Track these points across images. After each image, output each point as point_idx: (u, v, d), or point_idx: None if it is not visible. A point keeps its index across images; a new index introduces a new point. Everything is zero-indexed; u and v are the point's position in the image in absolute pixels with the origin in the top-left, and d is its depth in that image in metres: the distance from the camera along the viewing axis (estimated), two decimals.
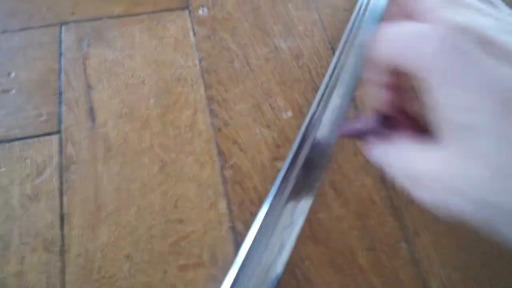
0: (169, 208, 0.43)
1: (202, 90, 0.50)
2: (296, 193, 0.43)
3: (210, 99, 0.49)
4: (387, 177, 0.45)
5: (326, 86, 0.48)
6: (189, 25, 0.54)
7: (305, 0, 0.57)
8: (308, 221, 0.43)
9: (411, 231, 0.43)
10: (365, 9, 0.53)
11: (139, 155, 0.46)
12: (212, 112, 0.48)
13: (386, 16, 0.54)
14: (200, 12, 0.55)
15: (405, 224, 0.44)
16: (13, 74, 0.50)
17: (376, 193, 0.45)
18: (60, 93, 0.49)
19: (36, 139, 0.47)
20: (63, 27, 0.53)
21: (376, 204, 0.44)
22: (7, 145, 0.46)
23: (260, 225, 0.41)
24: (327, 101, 0.47)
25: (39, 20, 0.54)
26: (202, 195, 0.44)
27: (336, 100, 0.48)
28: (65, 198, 0.43)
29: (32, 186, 0.44)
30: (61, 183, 0.44)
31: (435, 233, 0.43)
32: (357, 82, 0.49)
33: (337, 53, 0.50)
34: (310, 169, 0.44)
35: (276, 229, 0.41)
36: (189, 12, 0.55)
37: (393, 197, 0.45)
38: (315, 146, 0.45)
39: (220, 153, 0.46)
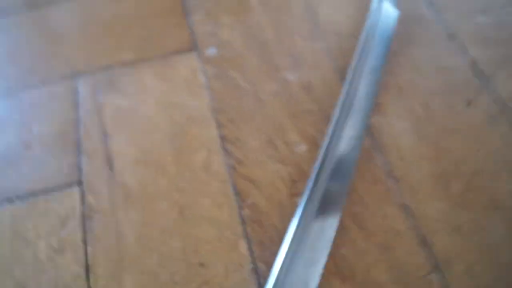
0: (190, 253, 0.44)
1: (214, 130, 0.51)
2: (317, 228, 0.44)
3: (223, 138, 0.50)
4: (410, 205, 0.45)
5: (339, 116, 0.48)
6: (198, 65, 0.56)
7: (311, 30, 0.58)
8: (332, 257, 0.43)
9: (442, 260, 0.43)
10: (373, 34, 0.53)
11: (157, 200, 0.47)
12: (226, 152, 0.49)
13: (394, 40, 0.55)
14: (209, 52, 0.57)
15: (435, 254, 0.43)
16: (34, 129, 0.53)
17: (401, 223, 0.45)
18: (79, 144, 0.51)
19: (58, 191, 0.49)
20: (79, 78, 0.55)
21: (401, 235, 0.44)
22: (31, 199, 0.48)
23: (281, 265, 0.41)
24: (341, 131, 0.48)
25: (57, 73, 0.56)
26: (222, 237, 0.45)
27: (349, 129, 0.48)
28: (89, 249, 0.45)
29: (57, 238, 0.46)
30: (84, 234, 0.46)
31: (467, 261, 0.42)
32: (370, 110, 0.50)
33: (347, 81, 0.50)
34: (329, 202, 0.45)
35: (298, 268, 0.42)
36: (198, 53, 0.57)
37: (419, 225, 0.44)
38: (332, 178, 0.46)
39: (237, 193, 0.47)
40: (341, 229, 0.45)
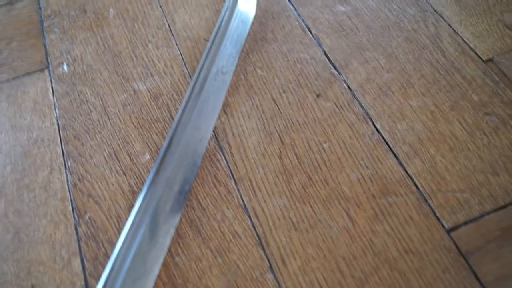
0: (23, 276, 0.47)
1: (58, 148, 0.54)
2: (149, 239, 0.46)
3: (66, 156, 0.54)
4: (249, 206, 0.48)
5: (179, 121, 0.52)
6: (49, 85, 0.60)
7: (165, 37, 0.63)
8: (166, 266, 0.46)
9: (277, 259, 0.45)
10: (223, 35, 0.58)
11: None
12: (67, 169, 0.53)
13: (248, 40, 0.59)
14: (60, 69, 0.61)
15: (271, 253, 0.46)
16: None
17: (239, 225, 0.48)
18: None
19: None
20: None
21: (239, 236, 0.47)
22: None
23: (105, 281, 0.44)
24: (181, 136, 0.51)
25: None
26: (56, 257, 0.48)
27: (192, 132, 0.51)
28: None
29: None
30: None
31: (303, 257, 0.45)
32: (217, 111, 0.53)
33: (190, 84, 0.54)
34: (163, 211, 0.48)
35: (127, 282, 0.44)
36: (49, 72, 0.61)
37: (257, 225, 0.47)
38: (168, 186, 0.49)
39: (75, 209, 0.50)
40: (177, 237, 0.47)
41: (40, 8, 0.69)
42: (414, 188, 0.48)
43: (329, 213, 0.47)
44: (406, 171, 0.49)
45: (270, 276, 0.44)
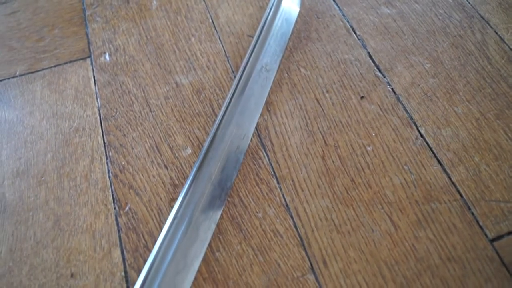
0: (62, 264, 0.47)
1: (99, 137, 0.55)
2: (190, 233, 0.47)
3: (107, 146, 0.54)
4: (292, 205, 0.48)
5: (222, 117, 0.52)
6: (90, 74, 0.60)
7: (209, 32, 0.63)
8: (206, 261, 0.46)
9: (319, 260, 0.45)
10: (268, 32, 0.57)
11: (33, 212, 0.50)
12: (109, 159, 0.53)
13: (291, 39, 0.59)
14: (102, 59, 0.61)
15: (312, 254, 0.46)
16: None
17: (281, 224, 0.48)
18: None
19: None
20: None
21: (280, 236, 0.47)
22: None
23: (146, 273, 0.44)
24: (224, 133, 0.51)
25: None
26: (96, 246, 0.48)
27: (235, 130, 0.51)
28: None
29: None
30: None
31: (345, 260, 0.45)
32: (261, 108, 0.53)
33: (234, 81, 0.54)
34: (205, 206, 0.48)
35: (168, 275, 0.44)
36: (91, 61, 0.61)
37: (299, 225, 0.47)
38: (211, 181, 0.49)
39: (115, 200, 0.50)
40: (218, 233, 0.47)
41: None
42: (457, 195, 0.47)
43: (371, 217, 0.47)
44: (450, 178, 0.48)
45: (311, 277, 0.44)
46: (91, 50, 0.62)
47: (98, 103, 0.57)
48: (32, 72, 0.61)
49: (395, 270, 0.44)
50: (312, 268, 0.45)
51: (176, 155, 0.52)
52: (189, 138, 0.53)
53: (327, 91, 0.55)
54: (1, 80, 0.61)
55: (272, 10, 0.59)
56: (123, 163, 0.52)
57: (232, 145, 0.50)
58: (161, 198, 0.50)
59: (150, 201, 0.50)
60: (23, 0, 0.70)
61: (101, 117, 0.56)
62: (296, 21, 0.60)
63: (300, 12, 0.61)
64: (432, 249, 0.45)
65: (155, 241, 0.47)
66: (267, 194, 0.49)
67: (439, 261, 0.44)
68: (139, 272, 0.46)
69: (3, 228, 0.50)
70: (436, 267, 0.44)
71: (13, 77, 0.61)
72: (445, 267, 0.44)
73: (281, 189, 0.49)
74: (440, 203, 0.47)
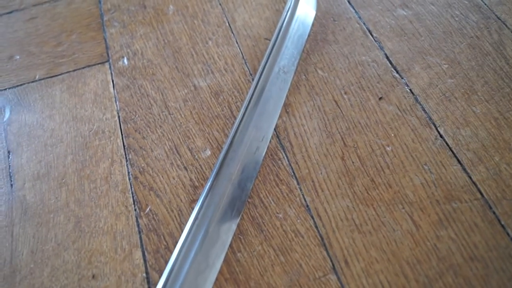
0: (83, 265, 0.48)
1: (119, 140, 0.55)
2: (212, 234, 0.47)
3: (127, 148, 0.54)
4: (312, 205, 0.48)
5: (241, 119, 0.52)
6: (109, 78, 0.61)
7: (226, 35, 0.63)
8: (227, 262, 0.46)
9: (340, 260, 0.45)
10: (285, 35, 0.58)
11: (54, 213, 0.51)
12: (128, 161, 0.53)
13: (308, 41, 0.59)
14: (120, 63, 0.62)
15: (334, 254, 0.46)
16: None
17: (302, 224, 0.48)
18: None
19: None
20: None
21: (301, 236, 0.47)
22: None
23: (168, 274, 0.44)
24: (244, 134, 0.51)
25: None
26: (117, 248, 0.48)
27: (254, 131, 0.52)
28: None
29: None
30: None
31: (366, 260, 0.45)
32: (279, 110, 0.53)
33: (253, 83, 0.54)
34: (226, 207, 0.48)
35: (190, 275, 0.45)
36: (110, 65, 0.62)
37: (320, 225, 0.47)
38: (231, 182, 0.49)
39: (136, 201, 0.51)
40: (239, 233, 0.48)
41: (99, 2, 0.70)
42: (478, 195, 0.47)
43: (392, 217, 0.47)
44: (470, 177, 0.48)
45: (333, 277, 0.44)
46: (109, 55, 0.63)
47: (117, 106, 0.58)
48: (51, 77, 0.62)
49: (417, 269, 0.44)
50: (334, 268, 0.45)
51: (196, 156, 0.53)
52: (208, 140, 0.54)
53: (345, 93, 0.56)
54: (21, 85, 0.61)
55: (288, 13, 0.59)
56: (142, 165, 0.53)
57: (252, 146, 0.51)
58: (181, 200, 0.50)
59: (170, 202, 0.50)
60: (41, 7, 0.71)
61: (120, 120, 0.56)
62: (313, 24, 0.60)
63: (316, 15, 0.61)
64: (454, 248, 0.45)
65: (176, 242, 0.47)
66: (287, 194, 0.49)
67: (461, 260, 0.44)
68: (160, 273, 0.46)
69: (25, 230, 0.50)
70: (458, 266, 0.44)
71: (32, 82, 0.61)
72: (467, 266, 0.44)
73: (301, 190, 0.49)
74: (461, 202, 0.47)
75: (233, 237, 0.47)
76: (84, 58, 0.63)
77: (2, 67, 0.64)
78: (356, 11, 0.64)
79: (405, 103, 0.54)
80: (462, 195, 0.47)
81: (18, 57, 0.65)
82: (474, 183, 0.48)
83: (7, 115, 0.59)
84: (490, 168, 0.49)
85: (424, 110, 0.53)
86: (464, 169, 0.49)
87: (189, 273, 0.44)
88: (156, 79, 0.60)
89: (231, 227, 0.47)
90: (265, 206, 0.49)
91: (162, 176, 0.52)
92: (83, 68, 0.62)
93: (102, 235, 0.49)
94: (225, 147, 0.50)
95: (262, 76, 0.54)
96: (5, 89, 0.62)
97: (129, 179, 0.52)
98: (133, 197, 0.51)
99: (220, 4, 0.67)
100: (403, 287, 0.43)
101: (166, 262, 0.47)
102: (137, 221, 0.49)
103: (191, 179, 0.51)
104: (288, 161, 0.51)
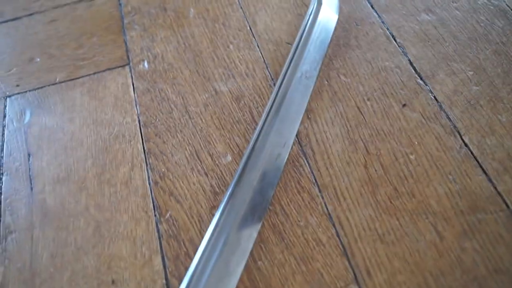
0: (103, 270, 0.48)
1: (139, 144, 0.55)
2: (232, 241, 0.46)
3: (147, 153, 0.54)
4: (334, 214, 0.48)
5: (263, 125, 0.52)
6: (129, 81, 0.61)
7: (247, 39, 0.63)
8: (247, 270, 0.46)
9: (363, 270, 0.45)
10: (307, 40, 0.57)
11: (74, 218, 0.51)
12: (149, 166, 0.53)
13: (330, 46, 0.58)
14: (141, 67, 0.62)
15: (356, 264, 0.45)
16: None
17: (323, 233, 0.47)
18: (1, 165, 0.56)
19: None
20: (8, 100, 0.61)
21: (323, 245, 0.46)
22: None
23: (189, 281, 0.44)
24: (265, 141, 0.51)
25: None
26: (136, 253, 0.48)
27: (275, 138, 0.51)
28: (1, 269, 0.49)
29: None
30: None
31: (389, 270, 0.44)
32: (301, 116, 0.53)
33: (275, 89, 0.54)
34: (247, 214, 0.48)
35: (210, 283, 0.44)
36: (130, 68, 0.62)
37: (342, 235, 0.47)
38: (253, 189, 0.49)
39: (156, 207, 0.50)
40: (260, 241, 0.47)
41: (120, 5, 0.70)
42: (504, 206, 0.46)
43: (416, 227, 0.46)
44: (495, 188, 0.47)
45: (355, 287, 0.44)
46: (130, 58, 0.63)
47: (137, 110, 0.58)
48: (72, 79, 0.62)
49: (441, 281, 0.43)
50: (356, 278, 0.44)
51: (216, 162, 0.52)
52: (229, 145, 0.53)
53: (368, 99, 0.55)
54: (42, 87, 0.61)
55: (311, 18, 0.59)
56: (163, 170, 0.52)
57: (273, 153, 0.50)
58: (201, 206, 0.50)
59: (190, 208, 0.50)
60: (61, 9, 0.71)
61: (141, 124, 0.56)
62: (335, 29, 0.60)
63: (338, 19, 0.61)
64: (478, 260, 0.44)
65: (197, 249, 0.47)
66: (308, 202, 0.49)
67: (486, 273, 0.43)
68: (180, 280, 0.46)
69: (44, 234, 0.50)
70: (483, 279, 0.43)
71: (53, 84, 0.62)
72: (492, 279, 0.43)
73: (323, 198, 0.49)
74: (486, 213, 0.46)
75: (254, 245, 0.46)
76: (105, 61, 0.63)
77: (23, 69, 0.64)
78: (379, 16, 0.63)
79: (429, 111, 0.53)
80: (487, 206, 0.46)
81: (38, 59, 0.65)
82: (499, 193, 0.47)
83: (27, 117, 0.59)
84: None
85: (448, 118, 0.52)
86: (490, 179, 0.48)
87: (209, 280, 0.44)
88: (176, 83, 0.59)
89: (252, 234, 0.46)
90: (286, 214, 0.48)
91: (183, 182, 0.52)
92: (104, 71, 0.62)
93: (122, 240, 0.49)
94: (246, 153, 0.50)
95: (284, 81, 0.54)
96: (26, 91, 0.62)
97: (149, 184, 0.52)
98: (153, 202, 0.51)
99: (241, 8, 0.67)
100: None
101: (186, 269, 0.46)
102: (157, 226, 0.49)
103: (211, 185, 0.51)
104: (310, 168, 0.51)
